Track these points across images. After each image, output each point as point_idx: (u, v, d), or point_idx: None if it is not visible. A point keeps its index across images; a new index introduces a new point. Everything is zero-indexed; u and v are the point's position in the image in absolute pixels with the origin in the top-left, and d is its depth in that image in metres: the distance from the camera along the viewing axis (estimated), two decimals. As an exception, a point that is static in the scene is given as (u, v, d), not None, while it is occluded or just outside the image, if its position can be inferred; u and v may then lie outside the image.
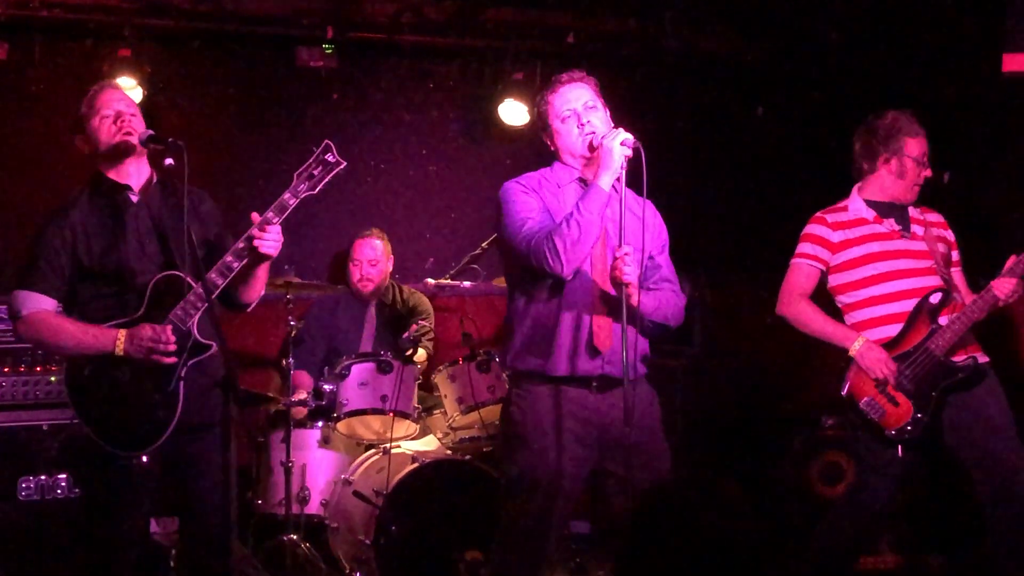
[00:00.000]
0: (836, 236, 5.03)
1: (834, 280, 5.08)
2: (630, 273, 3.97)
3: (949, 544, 5.09)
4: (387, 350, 6.12)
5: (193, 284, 4.10)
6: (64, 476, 5.45)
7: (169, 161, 4.05)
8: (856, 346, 4.92)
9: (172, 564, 5.32)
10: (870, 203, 5.04)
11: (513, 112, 7.22)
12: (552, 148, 4.31)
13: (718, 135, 7.63)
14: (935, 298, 4.90)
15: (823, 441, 6.37)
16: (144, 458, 4.08)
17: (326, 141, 4.23)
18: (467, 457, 5.90)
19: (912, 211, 5.05)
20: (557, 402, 4.17)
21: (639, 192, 4.15)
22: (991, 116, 5.06)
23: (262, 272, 4.33)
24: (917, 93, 5.07)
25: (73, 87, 6.16)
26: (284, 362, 6.00)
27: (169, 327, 4.06)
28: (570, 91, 4.24)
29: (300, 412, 6.03)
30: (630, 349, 3.98)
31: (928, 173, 4.97)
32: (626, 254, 3.97)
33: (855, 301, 5.04)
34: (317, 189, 4.19)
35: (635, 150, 4.01)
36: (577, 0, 7.24)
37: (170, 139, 4.07)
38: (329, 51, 6.95)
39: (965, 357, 4.89)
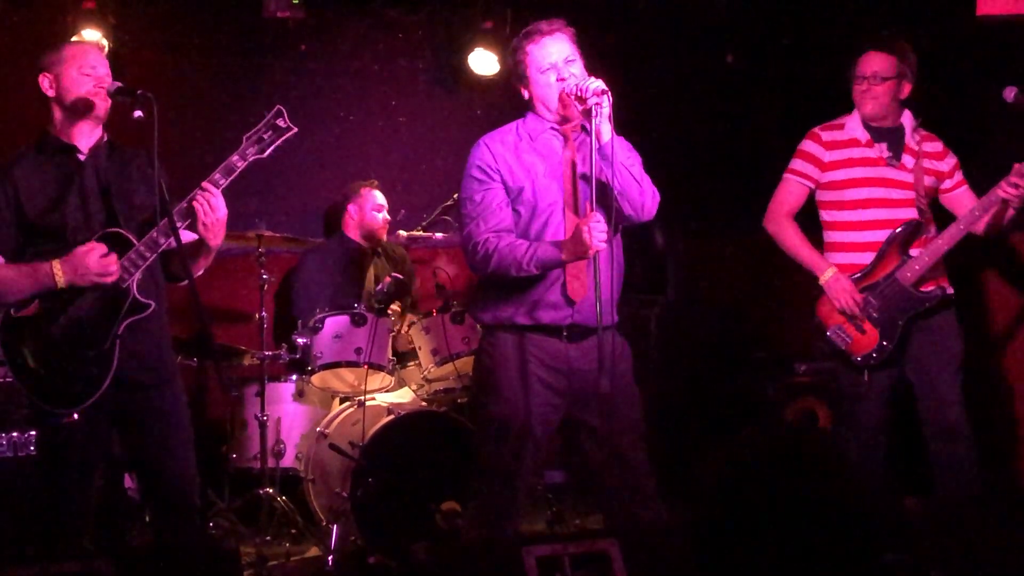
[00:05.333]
0: (827, 156, 5.12)
1: (820, 196, 5.18)
2: (599, 239, 3.94)
3: (925, 485, 5.15)
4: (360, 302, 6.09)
5: (135, 243, 4.05)
6: (36, 433, 5.39)
7: (138, 113, 3.99)
8: (826, 276, 5.06)
9: (147, 519, 5.31)
10: (867, 125, 5.09)
11: (483, 61, 7.15)
12: (527, 96, 4.27)
13: (689, 83, 7.60)
14: (904, 230, 4.97)
15: (797, 387, 6.40)
16: (75, 415, 4.02)
17: (278, 106, 4.18)
18: (442, 408, 5.90)
19: (909, 139, 5.08)
20: (526, 349, 4.20)
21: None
22: (965, 59, 5.05)
23: (202, 258, 4.23)
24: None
25: (38, 40, 6.07)
26: (257, 315, 5.97)
27: (105, 247, 3.99)
28: (552, 44, 4.19)
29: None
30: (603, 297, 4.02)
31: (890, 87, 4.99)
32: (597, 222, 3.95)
33: (835, 221, 5.15)
34: (267, 153, 4.14)
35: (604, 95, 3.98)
36: (546, -53, 7.16)
37: (139, 91, 4.02)
38: (296, 1, 6.85)
39: (933, 287, 5.02)
